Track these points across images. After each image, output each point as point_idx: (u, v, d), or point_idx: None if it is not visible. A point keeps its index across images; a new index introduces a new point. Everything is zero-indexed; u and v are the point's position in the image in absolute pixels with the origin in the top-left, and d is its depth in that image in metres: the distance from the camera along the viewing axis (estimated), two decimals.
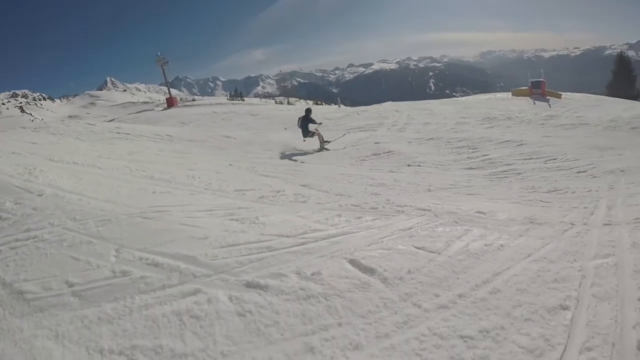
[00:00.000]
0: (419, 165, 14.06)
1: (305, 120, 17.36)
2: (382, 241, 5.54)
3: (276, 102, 48.42)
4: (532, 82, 34.47)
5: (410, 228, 6.33)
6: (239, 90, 61.17)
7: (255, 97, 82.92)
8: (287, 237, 5.31)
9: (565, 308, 4.42)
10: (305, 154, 16.29)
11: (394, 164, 14.25)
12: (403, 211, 7.55)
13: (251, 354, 3.17)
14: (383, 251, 5.11)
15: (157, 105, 44.39)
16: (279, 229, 5.60)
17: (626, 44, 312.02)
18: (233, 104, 40.78)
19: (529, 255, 5.69)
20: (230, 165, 12.02)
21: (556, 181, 12.03)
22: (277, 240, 5.17)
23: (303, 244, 5.13)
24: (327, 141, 17.33)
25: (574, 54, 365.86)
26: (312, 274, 4.29)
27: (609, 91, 45.78)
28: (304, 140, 17.28)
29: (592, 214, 8.48)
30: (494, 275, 4.93)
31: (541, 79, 34.54)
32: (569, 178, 12.56)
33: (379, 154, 15.46)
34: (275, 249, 4.88)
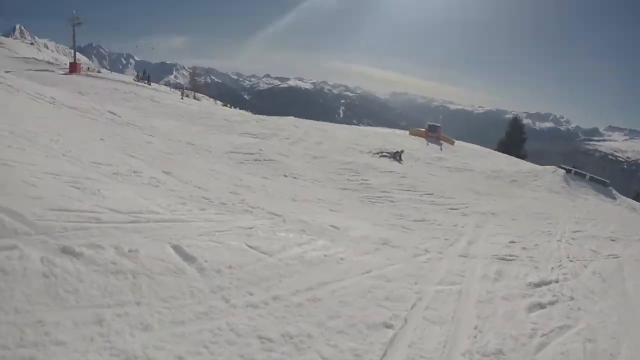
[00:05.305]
0: (295, 178, 13.95)
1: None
2: (215, 234, 5.37)
3: (182, 96, 46.27)
4: (429, 125, 35.72)
5: (251, 228, 6.20)
6: (147, 73, 59.03)
7: (166, 84, 79.39)
8: (120, 212, 4.97)
9: (389, 327, 4.23)
10: (188, 145, 15.45)
11: (271, 172, 14.08)
12: (252, 212, 7.41)
13: (42, 315, 3.00)
14: (212, 243, 4.93)
15: (61, 68, 40.51)
16: (115, 204, 5.19)
17: (524, 112, 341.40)
18: (137, 85, 38.60)
19: (367, 272, 5.54)
20: (101, 139, 11.15)
21: (426, 213, 12.27)
22: (108, 213, 4.83)
23: (133, 222, 4.87)
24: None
25: (477, 112, 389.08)
26: (130, 251, 4.03)
27: (500, 147, 48.73)
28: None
29: (451, 246, 8.63)
30: (321, 284, 4.73)
31: (438, 124, 36.03)
32: (439, 212, 12.87)
33: (260, 161, 15.28)
34: (103, 222, 4.58)
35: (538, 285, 6.97)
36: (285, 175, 13.96)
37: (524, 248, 9.62)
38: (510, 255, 8.66)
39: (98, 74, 41.46)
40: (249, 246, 5.17)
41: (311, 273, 4.97)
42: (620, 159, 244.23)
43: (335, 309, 4.26)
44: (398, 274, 5.83)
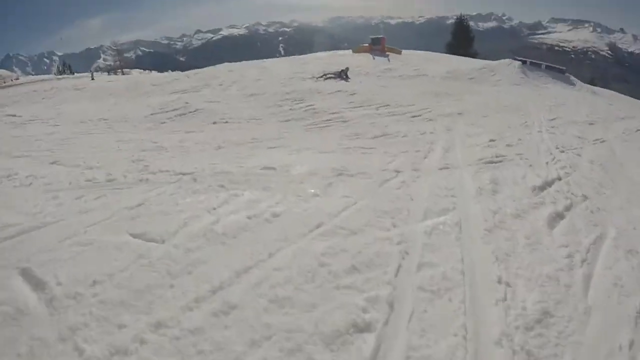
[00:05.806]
0: (226, 122, 12.54)
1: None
2: (86, 231, 3.91)
3: (109, 74, 43.81)
4: (372, 38, 34.26)
5: (140, 204, 4.69)
6: (67, 64, 57.06)
7: (97, 70, 76.30)
8: None
9: (363, 329, 2.46)
10: (100, 121, 13.59)
11: (197, 123, 12.67)
12: (148, 179, 5.79)
13: None
14: (77, 248, 3.54)
15: None
16: None
17: (466, 15, 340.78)
18: (58, 79, 35.96)
19: (317, 226, 3.81)
20: None
21: (386, 126, 10.85)
22: None
23: None
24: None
25: (419, 22, 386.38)
26: None
27: (449, 51, 47.71)
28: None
29: (425, 158, 7.17)
30: (238, 273, 2.98)
31: (381, 36, 34.46)
32: (401, 122, 11.49)
33: (185, 114, 13.86)
34: None
35: (543, 187, 5.63)
36: (214, 123, 12.45)
37: (508, 145, 8.34)
38: (497, 157, 7.31)
39: (16, 81, 38.38)
40: (131, 235, 3.74)
41: (222, 256, 3.25)
42: (567, 49, 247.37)
43: (260, 322, 2.49)
44: (364, 216, 4.11)
